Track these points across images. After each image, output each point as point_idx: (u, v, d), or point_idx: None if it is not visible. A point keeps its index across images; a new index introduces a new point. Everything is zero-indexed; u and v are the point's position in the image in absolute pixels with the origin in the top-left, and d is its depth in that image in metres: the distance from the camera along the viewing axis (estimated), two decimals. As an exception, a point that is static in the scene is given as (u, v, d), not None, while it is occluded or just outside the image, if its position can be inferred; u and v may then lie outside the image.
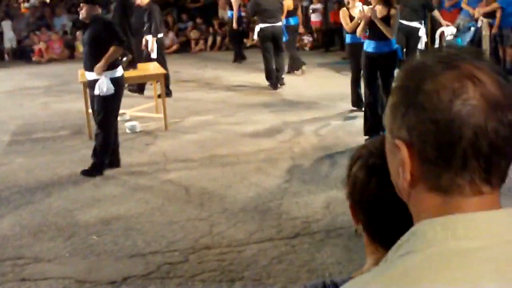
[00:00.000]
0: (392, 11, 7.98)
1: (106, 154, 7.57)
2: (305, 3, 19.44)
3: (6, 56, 20.05)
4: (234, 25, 15.79)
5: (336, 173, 7.12)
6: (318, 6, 18.73)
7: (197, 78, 14.26)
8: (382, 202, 1.57)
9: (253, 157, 7.94)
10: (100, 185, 7.26)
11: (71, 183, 7.35)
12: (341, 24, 16.13)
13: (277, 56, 12.63)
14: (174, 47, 19.53)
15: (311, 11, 18.93)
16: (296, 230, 5.71)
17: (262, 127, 9.34)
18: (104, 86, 7.29)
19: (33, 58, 19.23)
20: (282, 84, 12.61)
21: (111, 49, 7.27)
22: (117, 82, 7.41)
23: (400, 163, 1.05)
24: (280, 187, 6.83)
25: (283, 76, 12.79)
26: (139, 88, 12.03)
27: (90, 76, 7.47)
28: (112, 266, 5.23)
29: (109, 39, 7.33)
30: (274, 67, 12.54)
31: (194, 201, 6.58)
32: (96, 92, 7.36)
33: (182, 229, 5.87)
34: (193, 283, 4.90)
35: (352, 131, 8.84)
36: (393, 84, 1.10)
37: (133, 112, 10.10)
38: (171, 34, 19.73)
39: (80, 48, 19.55)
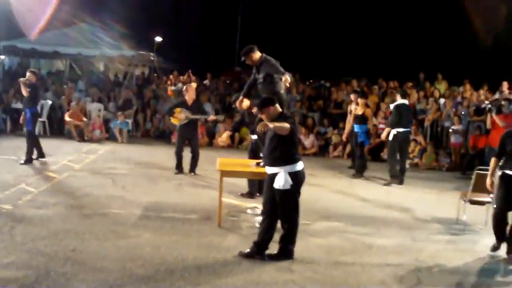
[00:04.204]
0: None
1: (292, 242, 7.88)
2: (446, 123, 19.27)
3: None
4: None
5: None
6: (459, 127, 18.52)
7: (330, 183, 14.34)
8: None
9: (378, 270, 7.73)
10: (222, 272, 7.29)
11: (195, 267, 7.42)
12: (482, 149, 15.94)
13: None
14: (313, 150, 19.72)
15: (451, 131, 18.71)
16: None
17: (390, 242, 9.14)
18: (282, 180, 7.61)
19: (173, 140, 19.91)
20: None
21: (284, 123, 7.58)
22: (295, 176, 7.69)
23: None
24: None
25: None
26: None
27: (270, 170, 7.83)
28: None
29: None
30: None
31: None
32: (275, 185, 7.68)
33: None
34: None
35: (483, 257, 8.60)
36: None
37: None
38: (311, 136, 19.91)
39: (221, 136, 20.14)
